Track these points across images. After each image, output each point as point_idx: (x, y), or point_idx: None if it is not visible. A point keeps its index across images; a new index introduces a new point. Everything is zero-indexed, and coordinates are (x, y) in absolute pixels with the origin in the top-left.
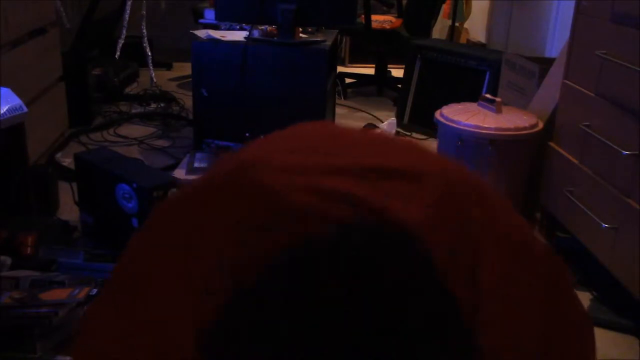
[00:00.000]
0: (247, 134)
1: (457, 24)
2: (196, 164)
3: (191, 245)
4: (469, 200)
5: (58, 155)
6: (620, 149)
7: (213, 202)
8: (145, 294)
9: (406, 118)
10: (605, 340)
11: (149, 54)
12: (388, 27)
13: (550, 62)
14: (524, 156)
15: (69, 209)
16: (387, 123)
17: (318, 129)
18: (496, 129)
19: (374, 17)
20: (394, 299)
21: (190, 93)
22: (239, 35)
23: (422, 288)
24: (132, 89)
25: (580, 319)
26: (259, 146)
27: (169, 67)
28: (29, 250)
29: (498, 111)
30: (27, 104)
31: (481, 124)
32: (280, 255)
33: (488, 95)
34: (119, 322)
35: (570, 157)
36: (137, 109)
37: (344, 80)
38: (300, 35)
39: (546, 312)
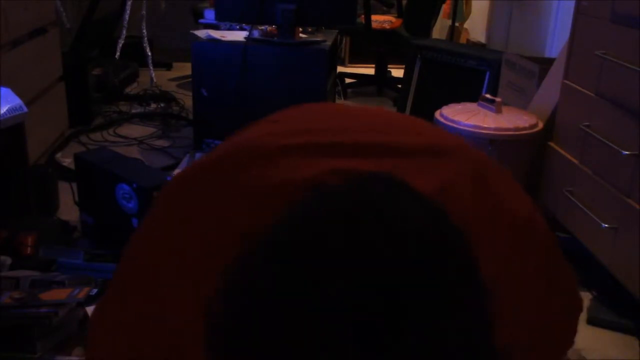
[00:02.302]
0: None
1: (457, 24)
2: None
3: (193, 221)
4: (483, 178)
5: (58, 155)
6: (620, 149)
7: (214, 176)
8: (148, 282)
9: None
10: (605, 340)
11: (149, 54)
12: (388, 27)
13: (550, 62)
14: (524, 156)
15: (69, 209)
16: None
17: (324, 108)
18: (496, 129)
19: (374, 17)
20: (416, 252)
21: (190, 93)
22: (239, 35)
23: (448, 248)
24: (132, 89)
25: (574, 290)
26: (261, 127)
27: (169, 67)
28: (29, 250)
29: (498, 111)
30: (27, 104)
31: (481, 124)
32: (289, 210)
33: (488, 95)
34: (125, 315)
35: (570, 157)
36: (137, 109)
37: (344, 80)
38: (300, 35)
39: (546, 282)
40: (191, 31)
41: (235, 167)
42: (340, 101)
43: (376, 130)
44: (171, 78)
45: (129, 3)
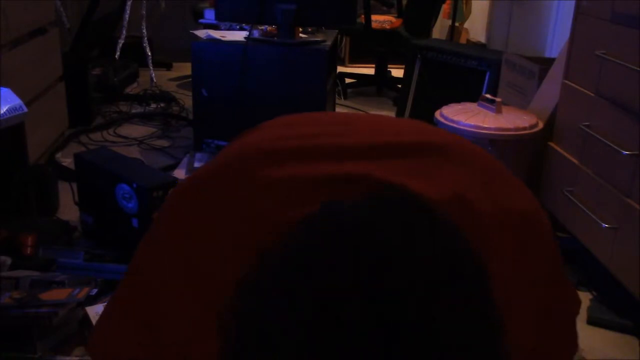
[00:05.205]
0: None
1: (457, 24)
2: (196, 164)
3: (202, 234)
4: (483, 176)
5: (58, 155)
6: (620, 149)
7: (220, 191)
8: (158, 289)
9: (406, 118)
10: (605, 340)
11: (149, 54)
12: (388, 27)
13: (550, 62)
14: (524, 156)
15: (69, 209)
16: None
17: (323, 115)
18: (496, 129)
19: (374, 17)
20: (425, 270)
21: (190, 93)
22: (239, 35)
23: (454, 259)
24: (132, 89)
25: (573, 296)
26: (264, 132)
27: (169, 67)
28: (29, 250)
29: (498, 111)
30: (27, 104)
31: (481, 124)
32: (297, 228)
33: (488, 95)
34: (131, 324)
35: (570, 157)
36: (137, 109)
37: (344, 80)
38: (300, 35)
39: (549, 280)
40: (191, 31)
41: (244, 172)
42: (340, 101)
43: (383, 130)
44: (171, 78)
45: (129, 3)
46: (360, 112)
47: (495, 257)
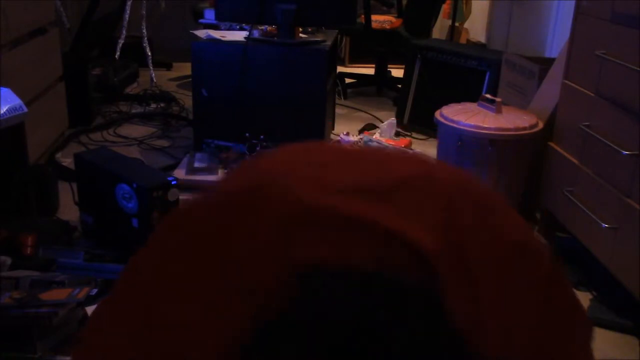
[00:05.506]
0: (247, 134)
1: (457, 24)
2: (196, 164)
3: (210, 258)
4: (470, 208)
5: (58, 155)
6: (620, 149)
7: (236, 216)
8: (158, 289)
9: (406, 118)
10: (605, 340)
11: (149, 54)
12: (388, 27)
13: (550, 62)
14: (524, 156)
15: (69, 209)
16: (387, 123)
17: (327, 147)
18: (496, 129)
19: (374, 17)
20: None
21: (190, 93)
22: (239, 35)
23: (435, 334)
24: (132, 89)
25: (580, 318)
26: (281, 159)
27: (169, 67)
28: (29, 250)
29: (498, 111)
30: (27, 104)
31: (481, 124)
32: (306, 271)
33: (488, 95)
34: (132, 319)
35: (570, 157)
36: (137, 109)
37: (344, 80)
38: (300, 35)
39: (545, 320)
40: (191, 31)
41: (257, 202)
42: (340, 101)
43: (391, 168)
44: (171, 78)
45: (129, 3)
46: (374, 146)
47: (490, 291)
